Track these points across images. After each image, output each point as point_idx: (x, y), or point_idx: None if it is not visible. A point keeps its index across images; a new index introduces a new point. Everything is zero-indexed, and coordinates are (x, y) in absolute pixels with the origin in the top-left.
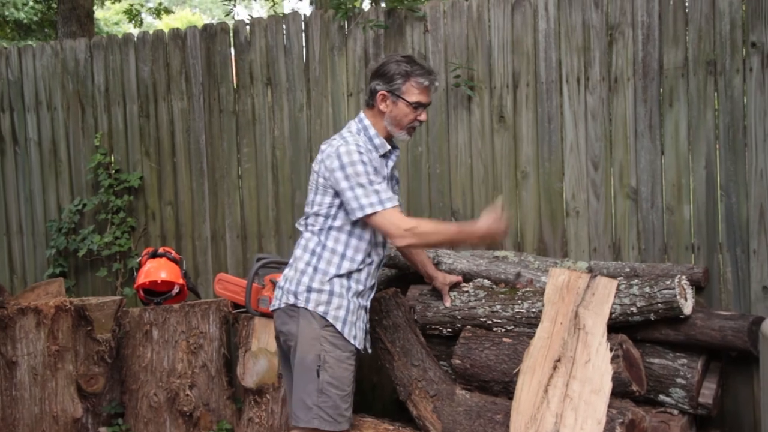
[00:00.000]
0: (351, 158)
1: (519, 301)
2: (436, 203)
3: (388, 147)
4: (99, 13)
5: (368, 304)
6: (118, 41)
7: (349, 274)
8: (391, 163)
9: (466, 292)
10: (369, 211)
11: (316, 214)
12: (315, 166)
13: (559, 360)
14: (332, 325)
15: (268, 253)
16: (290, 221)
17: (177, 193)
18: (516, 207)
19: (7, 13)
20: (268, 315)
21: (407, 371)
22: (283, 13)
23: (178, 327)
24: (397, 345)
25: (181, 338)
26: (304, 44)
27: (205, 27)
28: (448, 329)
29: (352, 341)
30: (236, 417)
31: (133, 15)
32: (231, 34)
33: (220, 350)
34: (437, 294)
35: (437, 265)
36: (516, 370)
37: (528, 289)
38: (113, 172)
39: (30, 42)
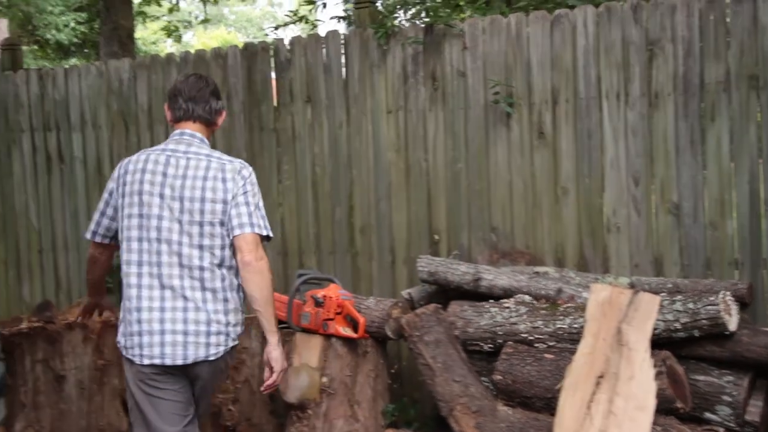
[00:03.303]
0: (252, 179)
1: (561, 317)
2: (475, 220)
3: None
4: (137, 33)
5: None
6: (161, 61)
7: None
8: None
9: (507, 308)
10: (257, 231)
11: (222, 247)
12: (208, 195)
13: (602, 376)
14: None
15: (309, 269)
16: (330, 238)
17: None
18: (556, 223)
19: (48, 35)
20: (309, 330)
21: (449, 387)
22: (316, 32)
23: None
24: (438, 361)
25: None
26: (343, 62)
27: (246, 46)
28: (489, 345)
29: None
30: None
31: (170, 31)
32: (271, 53)
33: (262, 366)
34: (478, 310)
35: (477, 281)
36: (558, 386)
37: (569, 304)
38: None
39: (73, 62)
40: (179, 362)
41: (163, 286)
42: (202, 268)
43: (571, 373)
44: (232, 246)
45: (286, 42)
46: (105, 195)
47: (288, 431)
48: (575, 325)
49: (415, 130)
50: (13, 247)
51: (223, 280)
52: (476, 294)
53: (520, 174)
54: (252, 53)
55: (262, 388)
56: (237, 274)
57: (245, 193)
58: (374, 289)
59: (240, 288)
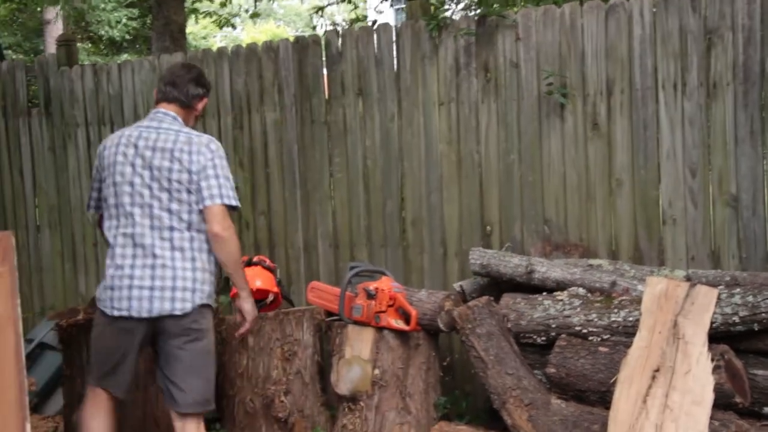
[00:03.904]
0: (220, 152)
1: (615, 310)
2: (528, 212)
3: None
4: (188, 28)
5: None
6: (213, 55)
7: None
8: None
9: (561, 300)
10: (225, 202)
11: (190, 212)
12: (175, 165)
13: (658, 370)
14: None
15: (361, 262)
16: (381, 230)
17: (270, 203)
18: (610, 215)
19: (101, 32)
20: (361, 323)
21: (501, 379)
22: (373, 22)
23: (272, 334)
24: (491, 353)
25: (276, 345)
26: (395, 54)
27: (297, 39)
28: (542, 338)
29: None
30: (330, 424)
31: (221, 23)
32: (323, 46)
33: (314, 357)
34: (531, 302)
35: (530, 273)
36: (613, 379)
37: (624, 297)
38: None
39: (125, 58)
40: (144, 315)
41: (135, 245)
42: (171, 228)
43: (626, 367)
44: (201, 213)
45: (338, 35)
46: (93, 172)
47: (340, 423)
48: (630, 318)
49: (467, 121)
50: (69, 240)
51: (191, 241)
52: (529, 287)
53: (574, 165)
54: (303, 46)
55: (236, 334)
56: (207, 238)
57: (214, 166)
58: (425, 282)
59: (210, 251)
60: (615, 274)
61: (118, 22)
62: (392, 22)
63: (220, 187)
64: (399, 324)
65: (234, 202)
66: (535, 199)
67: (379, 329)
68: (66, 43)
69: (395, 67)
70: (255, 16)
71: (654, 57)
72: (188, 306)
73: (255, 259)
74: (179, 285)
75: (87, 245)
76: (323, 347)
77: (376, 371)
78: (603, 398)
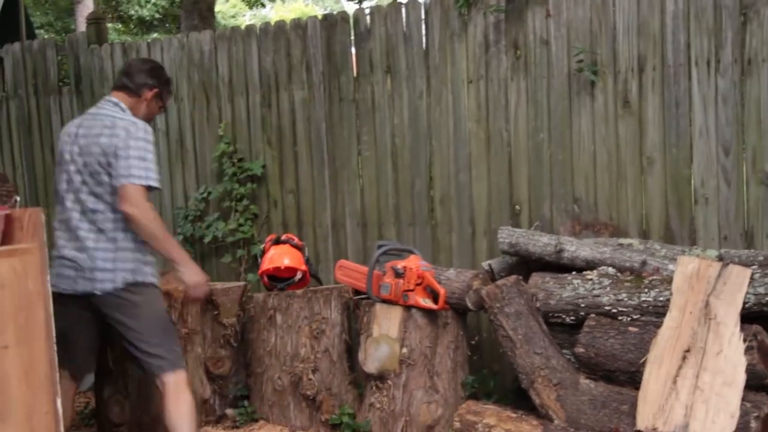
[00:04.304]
0: (137, 134)
1: (645, 290)
2: (557, 191)
3: None
4: (217, 7)
5: None
6: (241, 33)
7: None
8: None
9: (590, 280)
10: (136, 182)
11: (111, 193)
12: (97, 149)
13: (688, 350)
14: (158, 287)
15: (389, 240)
16: (410, 209)
17: (298, 181)
18: (641, 194)
19: (131, 11)
20: (389, 301)
21: (530, 359)
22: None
23: (300, 312)
24: (519, 333)
25: (304, 323)
26: (423, 31)
27: (326, 17)
28: (571, 317)
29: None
30: (358, 402)
31: (252, 3)
32: (351, 23)
33: (342, 336)
34: (560, 282)
35: (559, 252)
36: (643, 359)
37: (655, 277)
38: (237, 160)
39: (154, 37)
40: (70, 292)
41: (68, 229)
42: (94, 211)
43: (656, 347)
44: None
45: (367, 11)
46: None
47: (367, 401)
48: (660, 298)
49: (497, 99)
50: None
51: (114, 221)
52: (558, 266)
53: (604, 144)
54: (331, 23)
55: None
56: None
57: (128, 147)
58: (454, 261)
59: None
60: (645, 253)
61: (147, 1)
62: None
63: (130, 168)
64: (427, 303)
65: (145, 182)
66: (564, 177)
67: (407, 308)
68: (96, 21)
69: (424, 44)
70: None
71: (687, 33)
72: (108, 286)
73: (283, 237)
74: (99, 266)
75: None
76: (351, 326)
77: (404, 350)
78: (632, 378)
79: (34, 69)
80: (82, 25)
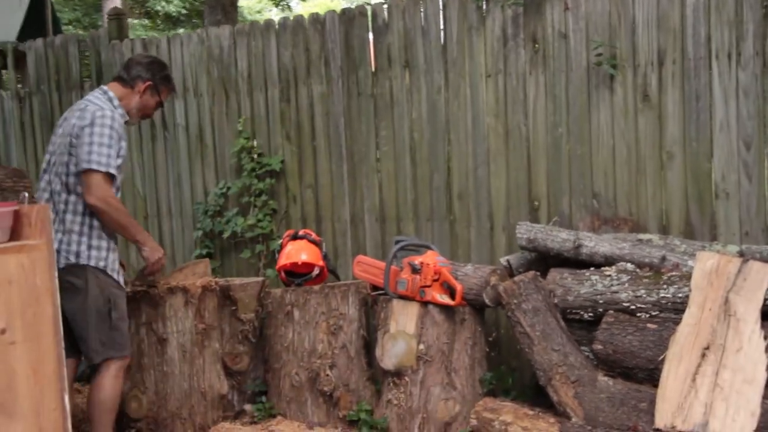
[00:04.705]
0: (103, 121)
1: (664, 286)
2: (576, 185)
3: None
4: (243, 2)
5: None
6: (260, 28)
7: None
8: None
9: (609, 276)
10: (95, 167)
11: (76, 175)
12: (71, 130)
13: (707, 348)
14: (111, 276)
15: (407, 236)
16: (428, 204)
17: (317, 177)
18: (661, 189)
19: (158, 7)
20: (406, 297)
21: (547, 356)
22: None
23: (318, 308)
24: (537, 329)
25: (322, 319)
26: (441, 25)
27: (344, 11)
28: (590, 314)
29: (120, 282)
30: (376, 398)
31: (278, 0)
32: (369, 18)
33: (360, 332)
34: (578, 278)
35: (578, 248)
36: (661, 357)
37: (674, 273)
38: (256, 156)
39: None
40: None
41: None
42: (53, 192)
43: (675, 344)
44: (77, 175)
45: (384, 5)
46: None
47: (385, 398)
48: (680, 295)
49: (515, 94)
50: None
51: (66, 203)
52: (577, 261)
53: (624, 138)
54: (349, 18)
55: (146, 273)
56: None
57: (92, 133)
58: (472, 257)
59: (86, 213)
60: (665, 249)
61: None
62: None
63: (91, 153)
64: (444, 299)
65: (105, 169)
66: (583, 172)
67: (424, 304)
68: (117, 17)
69: (442, 38)
70: None
71: (708, 25)
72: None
73: (300, 232)
74: (56, 246)
75: (138, 218)
76: (369, 321)
77: (421, 346)
78: (651, 376)
79: (56, 65)
80: (106, 20)
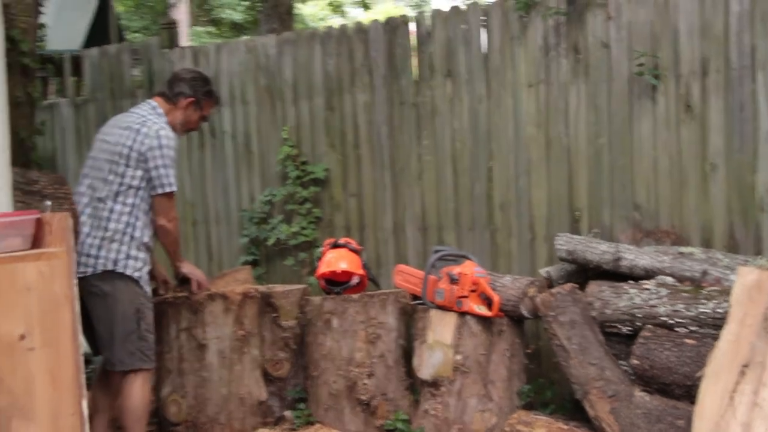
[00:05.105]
0: (168, 142)
1: (703, 301)
2: (617, 197)
3: None
4: (306, 9)
5: None
6: (306, 36)
7: (150, 240)
8: None
9: (647, 289)
10: (169, 189)
11: (129, 187)
12: (126, 141)
13: (747, 365)
14: (143, 287)
15: (447, 246)
16: (469, 213)
17: (360, 185)
18: (704, 201)
19: (223, 15)
20: (444, 307)
21: (584, 370)
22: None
23: (357, 317)
24: (574, 342)
25: (360, 328)
26: (484, 35)
27: (387, 20)
28: (628, 327)
29: (150, 294)
30: (414, 408)
31: (336, 7)
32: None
33: (398, 341)
34: (616, 290)
35: (617, 260)
36: (699, 373)
37: (714, 288)
38: (300, 163)
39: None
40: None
41: (83, 213)
42: (99, 199)
43: (714, 361)
44: (131, 187)
45: (427, 15)
46: None
47: (422, 408)
48: (719, 310)
49: (556, 103)
50: None
51: (111, 212)
52: (617, 274)
53: (666, 149)
54: (393, 27)
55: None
56: (131, 211)
57: (162, 156)
58: (513, 267)
59: (130, 224)
60: (707, 263)
61: (239, 4)
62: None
63: (160, 177)
64: (481, 309)
65: (170, 189)
66: (625, 183)
67: (462, 314)
68: (169, 26)
69: (484, 48)
70: (365, 7)
71: (752, 34)
72: (89, 270)
73: (341, 241)
74: (84, 251)
75: (187, 224)
76: (409, 331)
77: (458, 357)
78: (689, 392)
79: (111, 73)
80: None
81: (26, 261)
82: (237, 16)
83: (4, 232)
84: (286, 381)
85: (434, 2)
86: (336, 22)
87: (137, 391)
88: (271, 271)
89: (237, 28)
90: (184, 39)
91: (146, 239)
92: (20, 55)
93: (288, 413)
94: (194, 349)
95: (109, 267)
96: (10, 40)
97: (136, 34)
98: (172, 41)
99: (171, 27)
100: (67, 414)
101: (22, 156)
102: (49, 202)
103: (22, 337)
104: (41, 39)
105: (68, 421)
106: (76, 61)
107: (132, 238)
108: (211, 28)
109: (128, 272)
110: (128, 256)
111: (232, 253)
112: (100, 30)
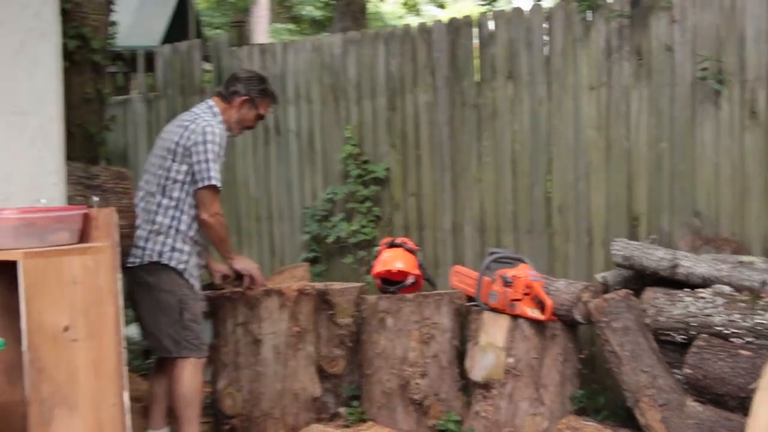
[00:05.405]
0: (213, 138)
1: (760, 312)
2: (677, 203)
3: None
4: (385, 8)
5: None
6: (370, 36)
7: (197, 234)
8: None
9: (703, 298)
10: (208, 183)
11: (174, 181)
12: (174, 137)
13: None
14: (187, 280)
15: (504, 248)
16: (528, 216)
17: (420, 185)
18: (766, 209)
19: (303, 12)
20: (497, 310)
21: (636, 377)
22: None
23: (411, 317)
24: (626, 349)
25: (414, 328)
26: (546, 37)
27: (451, 21)
28: (682, 336)
29: (196, 287)
30: (466, 409)
31: (411, 6)
32: (475, 28)
33: (452, 342)
34: (671, 298)
35: (674, 267)
36: (753, 385)
37: None
38: (362, 162)
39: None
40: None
41: (137, 206)
42: (150, 193)
43: None
44: (176, 182)
45: (490, 16)
46: None
47: (473, 409)
48: None
49: (618, 107)
50: (234, 215)
51: (158, 206)
52: (674, 281)
53: (729, 155)
54: (456, 28)
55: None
56: (177, 205)
57: (206, 151)
58: (570, 271)
59: (175, 218)
60: (767, 273)
61: (319, 0)
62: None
63: (201, 171)
64: (534, 313)
65: (216, 182)
66: (685, 189)
67: (515, 317)
68: (238, 24)
69: (546, 50)
70: (441, 6)
71: None
72: (137, 261)
73: (398, 240)
74: (135, 243)
75: (251, 220)
76: (464, 332)
77: (510, 359)
78: (742, 404)
79: (181, 69)
80: (254, 25)
81: (72, 255)
82: (317, 13)
83: (53, 227)
84: (341, 378)
85: (512, 1)
86: (412, 21)
87: (187, 378)
88: (331, 269)
89: (317, 25)
90: (264, 36)
91: (192, 233)
92: (90, 52)
93: (342, 410)
94: (250, 344)
95: (155, 258)
96: (81, 38)
97: (217, 31)
98: (241, 39)
99: (240, 24)
100: (109, 404)
101: (90, 151)
102: (96, 198)
103: (66, 329)
104: (112, 36)
105: (109, 412)
106: (150, 58)
107: (177, 231)
108: (291, 26)
109: (172, 264)
110: (173, 249)
111: (294, 249)
112: (180, 26)
